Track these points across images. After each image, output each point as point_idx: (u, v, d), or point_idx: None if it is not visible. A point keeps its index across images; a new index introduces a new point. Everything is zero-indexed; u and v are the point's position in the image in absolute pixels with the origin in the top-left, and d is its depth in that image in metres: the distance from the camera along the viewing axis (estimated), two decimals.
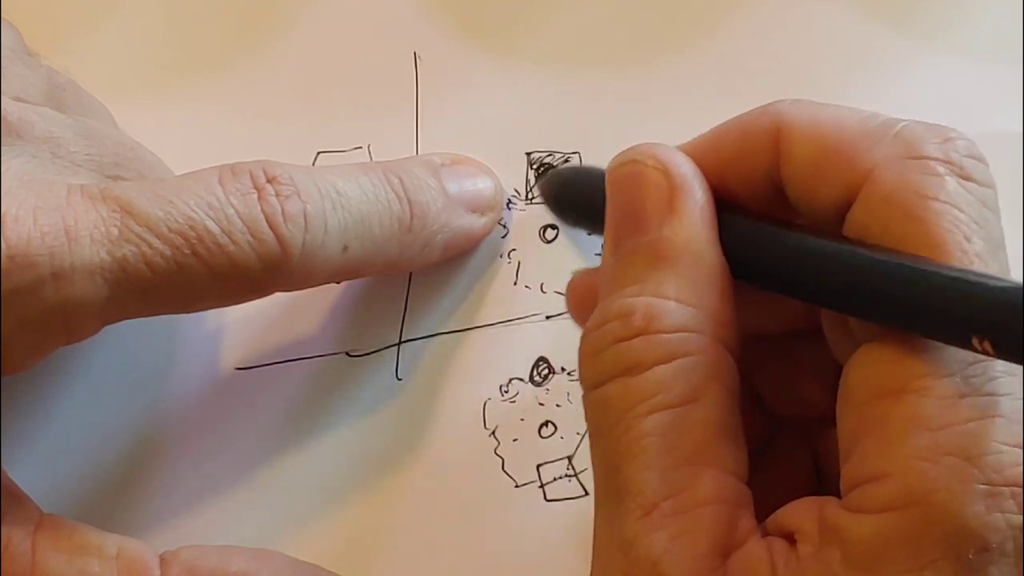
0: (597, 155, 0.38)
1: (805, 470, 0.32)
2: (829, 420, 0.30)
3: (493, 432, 0.36)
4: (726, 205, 0.30)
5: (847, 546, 0.25)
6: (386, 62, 0.39)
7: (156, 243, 0.30)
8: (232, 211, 0.31)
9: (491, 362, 0.37)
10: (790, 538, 0.27)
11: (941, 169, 0.27)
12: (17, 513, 0.31)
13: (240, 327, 0.37)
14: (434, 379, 0.37)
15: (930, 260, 0.26)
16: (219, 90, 0.40)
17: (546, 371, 0.37)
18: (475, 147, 0.39)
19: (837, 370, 0.28)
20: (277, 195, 0.31)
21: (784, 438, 0.33)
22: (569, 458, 0.36)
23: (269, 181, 0.31)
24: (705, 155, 0.30)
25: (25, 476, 0.33)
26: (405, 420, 0.37)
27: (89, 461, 0.36)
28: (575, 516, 0.35)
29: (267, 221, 0.31)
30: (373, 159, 0.39)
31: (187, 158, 0.37)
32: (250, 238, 0.31)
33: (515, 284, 0.38)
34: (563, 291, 0.37)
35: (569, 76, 0.39)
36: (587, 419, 0.29)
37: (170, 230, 0.30)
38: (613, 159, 0.31)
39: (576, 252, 0.38)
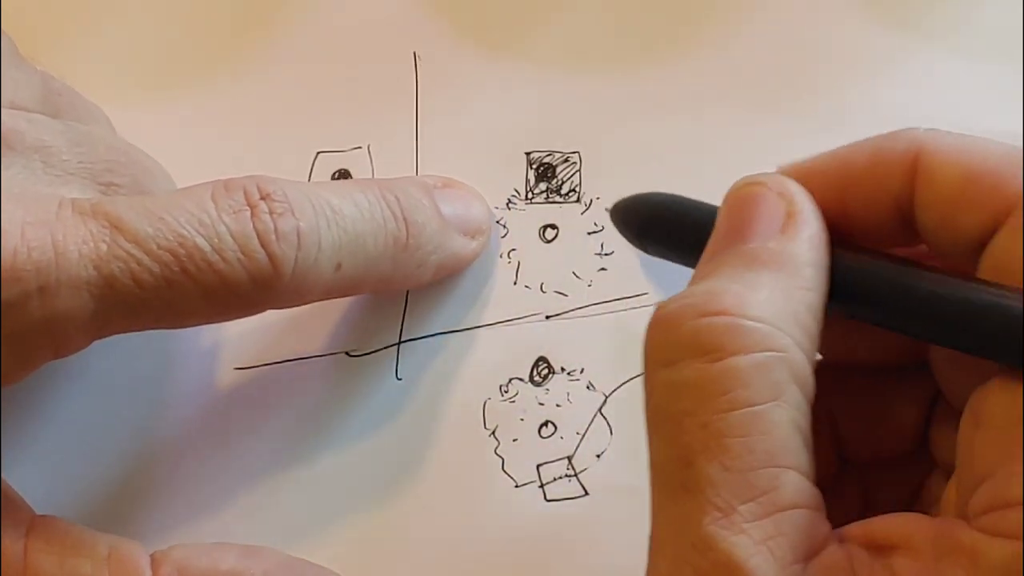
0: (597, 155, 0.38)
1: (856, 510, 0.31)
2: (889, 462, 0.29)
3: (493, 432, 0.36)
4: (842, 238, 0.29)
5: (979, 568, 0.24)
6: (386, 62, 0.40)
7: (145, 260, 0.30)
8: (223, 228, 0.30)
9: (491, 362, 0.37)
10: (881, 549, 0.26)
11: None
12: (9, 514, 0.31)
13: (240, 327, 0.37)
14: (434, 379, 0.37)
15: None
16: (219, 90, 0.40)
17: (546, 371, 0.37)
18: (475, 147, 0.39)
19: (919, 409, 0.28)
20: (271, 212, 0.31)
21: (844, 475, 0.32)
22: (569, 458, 0.36)
23: (263, 198, 0.31)
24: (831, 173, 0.30)
25: (23, 477, 0.33)
26: (405, 420, 0.37)
27: (88, 461, 0.36)
28: (575, 516, 0.35)
29: (259, 239, 0.31)
30: (373, 159, 0.39)
31: (187, 158, 0.37)
32: (241, 256, 0.30)
33: (515, 284, 0.38)
34: (563, 291, 0.37)
35: (569, 76, 0.39)
36: (651, 401, 0.27)
37: (159, 247, 0.30)
38: (737, 181, 0.30)
39: (576, 252, 0.38)
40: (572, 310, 0.37)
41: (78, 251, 0.29)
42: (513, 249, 0.38)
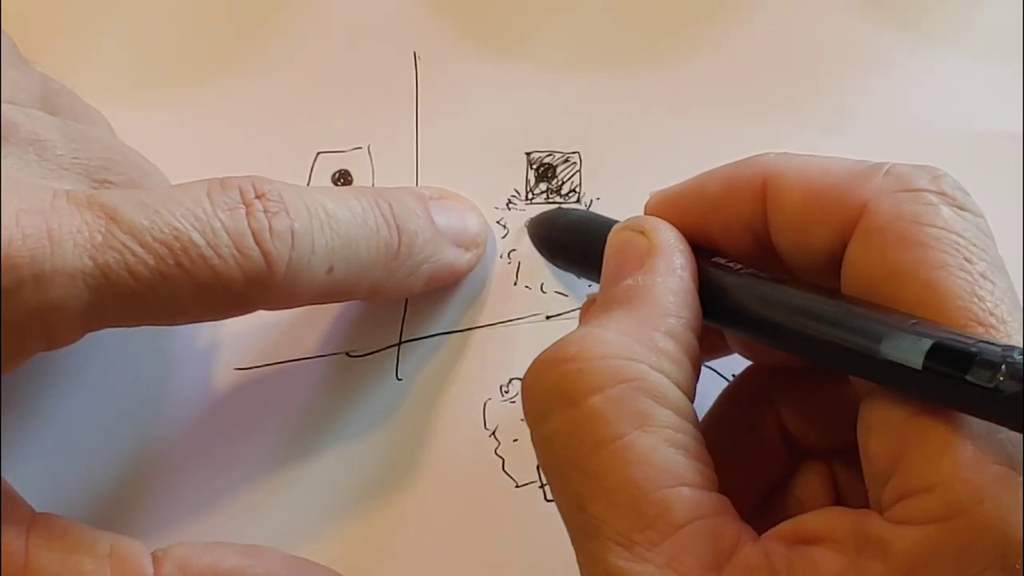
0: (597, 155, 0.38)
1: (824, 499, 0.32)
2: (848, 450, 0.30)
3: (493, 432, 0.36)
4: (709, 259, 0.30)
5: (891, 558, 0.25)
6: (386, 62, 0.40)
7: (140, 251, 0.30)
8: (219, 224, 0.30)
9: (491, 362, 0.37)
10: (804, 542, 0.26)
11: (935, 199, 0.27)
12: (10, 512, 0.31)
13: (239, 328, 0.37)
14: (434, 379, 0.37)
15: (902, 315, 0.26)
16: (219, 91, 0.40)
17: None
18: (475, 147, 0.39)
19: (857, 402, 0.28)
20: (265, 211, 0.31)
21: (806, 469, 0.33)
22: None
23: (258, 197, 0.31)
24: (687, 202, 0.31)
25: (23, 477, 0.33)
26: (405, 420, 0.37)
27: (88, 461, 0.36)
28: None
29: (253, 236, 0.31)
30: (373, 159, 0.39)
31: (187, 159, 0.37)
32: (235, 252, 0.30)
33: (515, 284, 0.38)
34: (563, 291, 0.37)
35: (569, 76, 0.39)
36: (538, 459, 0.28)
37: (154, 239, 0.30)
38: (612, 228, 0.32)
39: None
40: (572, 310, 0.37)
41: (73, 240, 0.29)
42: (513, 249, 0.38)
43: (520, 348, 0.37)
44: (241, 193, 0.31)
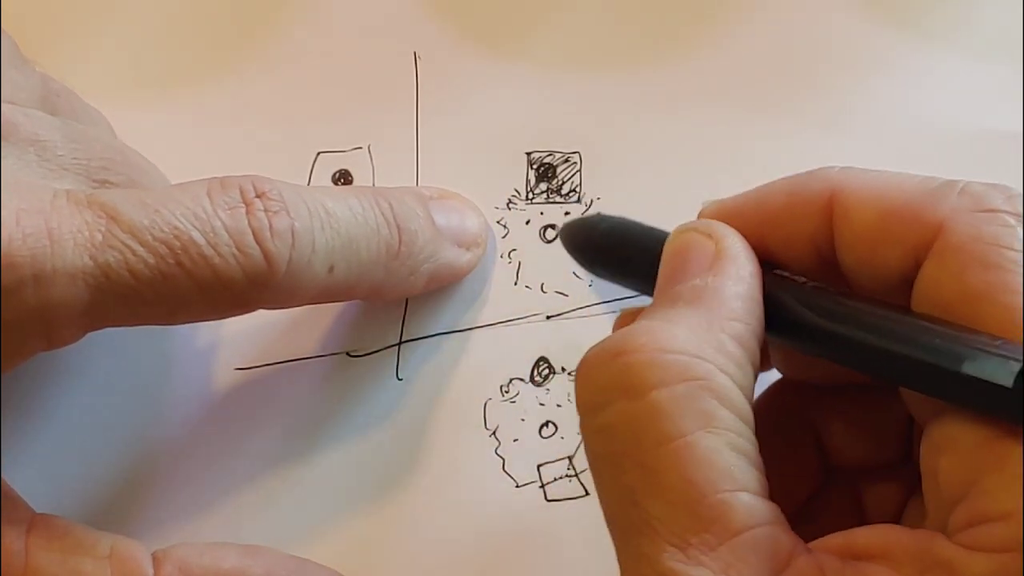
0: (597, 155, 0.38)
1: (850, 517, 0.32)
2: (879, 469, 0.30)
3: (494, 432, 0.36)
4: (774, 270, 0.30)
5: None
6: (386, 62, 0.40)
7: (140, 250, 0.30)
8: (219, 223, 0.30)
9: (491, 362, 0.37)
10: (858, 558, 0.26)
11: (1012, 220, 0.27)
12: (10, 513, 0.31)
13: (239, 328, 0.37)
14: (434, 379, 0.37)
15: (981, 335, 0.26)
16: (219, 90, 0.40)
17: (546, 371, 0.37)
18: (475, 147, 0.39)
19: (901, 421, 0.28)
20: (265, 210, 0.31)
21: (833, 486, 0.32)
22: (570, 458, 0.36)
23: (258, 196, 0.31)
24: (747, 214, 0.30)
25: (23, 477, 0.33)
26: (405, 420, 0.37)
27: (88, 461, 0.36)
28: (576, 516, 0.35)
29: (254, 235, 0.31)
30: (373, 159, 0.39)
31: (187, 159, 0.37)
32: (236, 251, 0.30)
33: (515, 284, 0.38)
34: (563, 291, 0.37)
35: (569, 76, 0.39)
36: (588, 448, 0.28)
37: (154, 238, 0.30)
38: (674, 230, 0.31)
39: None
40: (573, 310, 0.37)
41: (73, 240, 0.29)
42: (513, 249, 0.38)
43: (520, 348, 0.37)
44: (241, 192, 0.31)
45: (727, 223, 0.30)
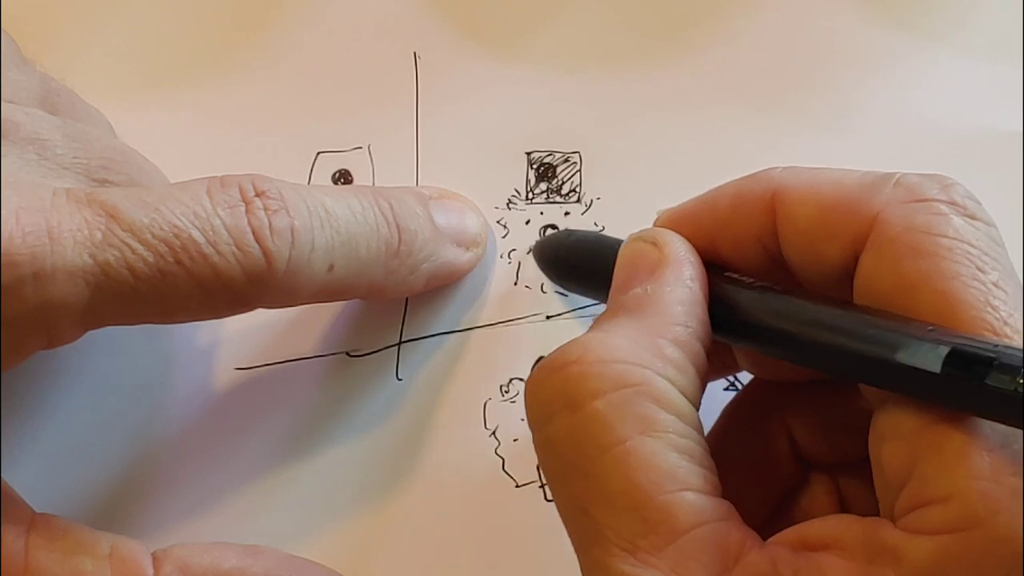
0: (597, 155, 0.38)
1: (830, 511, 0.32)
2: (856, 463, 0.30)
3: (493, 432, 0.36)
4: (720, 273, 0.30)
5: (904, 567, 0.25)
6: (386, 62, 0.39)
7: (140, 249, 0.30)
8: (219, 222, 0.30)
9: (491, 362, 0.37)
10: (811, 548, 0.26)
11: (946, 209, 0.27)
12: (10, 512, 0.31)
13: (239, 327, 0.37)
14: (434, 379, 0.37)
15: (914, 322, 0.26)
16: (219, 90, 0.40)
17: None
18: (475, 147, 0.39)
19: (867, 415, 0.28)
20: (265, 209, 0.31)
21: (812, 481, 0.33)
22: None
23: (258, 195, 0.31)
24: (698, 219, 0.31)
25: (23, 477, 0.33)
26: (405, 420, 0.37)
27: (88, 461, 0.36)
28: None
29: (253, 234, 0.31)
30: (373, 159, 0.39)
31: (187, 158, 0.37)
32: (235, 250, 0.30)
33: (515, 284, 0.38)
34: (563, 291, 0.37)
35: (569, 76, 0.39)
36: (540, 463, 0.28)
37: (154, 237, 0.30)
38: (626, 239, 0.32)
39: None
40: (572, 310, 0.37)
41: (73, 238, 0.29)
42: (513, 249, 0.38)
43: (520, 348, 0.37)
44: (241, 191, 0.31)
45: (678, 229, 0.31)
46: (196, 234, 0.30)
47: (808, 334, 0.28)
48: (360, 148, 0.39)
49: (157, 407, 0.37)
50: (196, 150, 0.39)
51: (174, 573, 0.32)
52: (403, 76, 0.39)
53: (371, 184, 0.39)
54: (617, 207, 0.38)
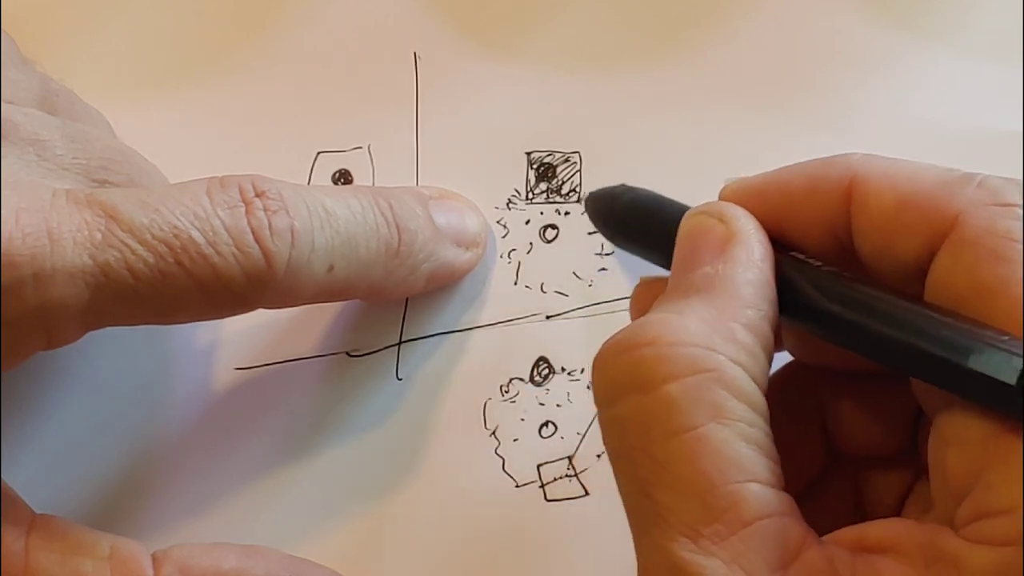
0: (597, 155, 0.38)
1: (848, 504, 0.32)
2: (882, 459, 0.30)
3: (493, 432, 0.36)
4: (790, 253, 0.30)
5: (964, 575, 0.25)
6: (386, 62, 0.39)
7: (139, 249, 0.30)
8: (218, 222, 0.30)
9: (491, 362, 0.37)
10: (868, 551, 0.26)
11: None
12: (9, 513, 0.31)
13: (239, 327, 0.37)
14: (434, 379, 0.37)
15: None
16: (219, 90, 0.40)
17: (546, 371, 0.37)
18: (475, 147, 0.39)
19: (909, 412, 0.28)
20: (265, 209, 0.31)
21: (833, 473, 0.32)
22: (569, 458, 0.36)
23: (258, 195, 0.31)
24: (767, 196, 0.30)
25: (24, 477, 0.33)
26: (405, 420, 0.37)
27: (88, 461, 0.36)
28: (576, 516, 0.35)
29: (253, 234, 0.31)
30: (373, 159, 0.39)
31: (187, 158, 0.37)
32: (235, 250, 0.30)
33: (515, 284, 0.38)
34: (563, 291, 0.37)
35: (569, 76, 0.39)
36: (605, 440, 0.28)
37: (154, 237, 0.30)
38: (687, 212, 0.31)
39: (576, 252, 0.38)
40: (572, 310, 0.37)
41: (73, 239, 0.29)
42: (513, 249, 0.38)
43: (520, 348, 0.37)
44: (241, 191, 0.31)
45: (745, 205, 0.30)
46: (196, 234, 0.30)
47: (877, 326, 0.27)
48: (360, 148, 0.39)
49: (157, 407, 0.37)
50: (196, 150, 0.39)
51: (174, 574, 0.32)
52: (403, 76, 0.39)
53: (371, 184, 0.39)
54: None
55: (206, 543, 0.33)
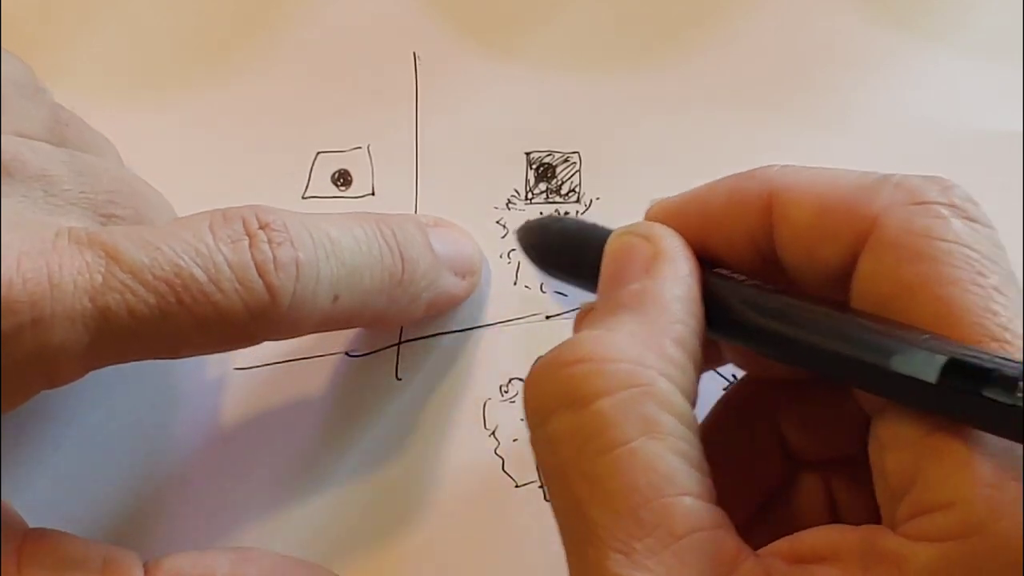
0: (597, 155, 0.38)
1: (821, 510, 0.32)
2: (847, 462, 0.30)
3: (493, 432, 0.36)
4: (714, 269, 0.30)
5: (906, 574, 0.25)
6: (386, 62, 0.40)
7: (140, 290, 0.29)
8: (221, 258, 0.30)
9: (491, 362, 0.37)
10: (806, 561, 0.26)
11: (946, 212, 0.27)
12: (3, 529, 0.31)
13: None
14: (434, 379, 0.37)
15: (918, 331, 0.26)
16: (219, 91, 0.40)
17: None
18: (475, 147, 0.39)
19: (860, 414, 0.28)
20: (269, 242, 0.31)
21: (801, 480, 0.32)
22: None
23: (262, 227, 0.31)
24: (690, 213, 0.31)
25: (25, 482, 0.33)
26: (405, 420, 0.37)
27: (88, 463, 0.36)
28: None
29: (257, 269, 0.30)
30: (373, 159, 0.39)
31: (187, 159, 0.37)
32: (238, 286, 0.30)
33: (515, 284, 0.38)
34: (563, 291, 0.37)
35: (569, 76, 0.39)
36: (537, 459, 0.28)
37: (155, 277, 0.29)
38: (612, 233, 0.31)
39: None
40: (572, 310, 0.37)
41: (73, 282, 0.29)
42: (513, 249, 0.38)
43: (520, 348, 0.37)
44: (244, 224, 0.31)
45: (670, 223, 0.31)
46: (198, 272, 0.30)
47: (801, 336, 0.28)
48: (360, 148, 0.39)
49: (157, 408, 0.37)
50: (195, 151, 0.39)
51: None
52: (403, 76, 0.39)
53: (371, 184, 0.39)
54: (617, 207, 0.38)
55: (197, 551, 0.33)
